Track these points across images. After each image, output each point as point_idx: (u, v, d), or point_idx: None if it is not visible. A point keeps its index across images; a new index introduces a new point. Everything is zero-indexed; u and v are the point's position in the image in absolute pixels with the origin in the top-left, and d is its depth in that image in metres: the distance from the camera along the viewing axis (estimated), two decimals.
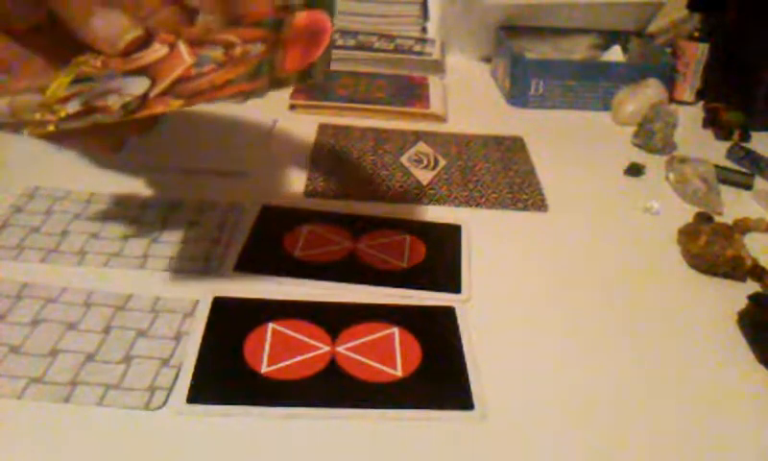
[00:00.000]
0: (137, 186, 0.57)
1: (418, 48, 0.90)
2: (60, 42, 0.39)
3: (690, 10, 0.88)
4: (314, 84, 0.39)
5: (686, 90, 0.84)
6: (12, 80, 0.38)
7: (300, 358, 0.40)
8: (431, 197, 0.59)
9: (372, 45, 0.90)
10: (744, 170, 0.67)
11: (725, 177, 0.65)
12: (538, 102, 0.80)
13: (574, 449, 0.37)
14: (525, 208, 0.59)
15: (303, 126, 0.71)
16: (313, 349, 0.41)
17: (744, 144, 0.73)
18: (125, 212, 0.53)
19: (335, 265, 0.49)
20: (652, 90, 0.77)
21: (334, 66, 0.86)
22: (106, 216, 0.53)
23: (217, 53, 0.39)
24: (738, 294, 0.48)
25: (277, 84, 0.38)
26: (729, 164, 0.69)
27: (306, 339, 0.42)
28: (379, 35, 0.94)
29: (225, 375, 0.39)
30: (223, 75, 0.38)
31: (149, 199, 0.56)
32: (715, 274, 0.52)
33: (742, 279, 0.51)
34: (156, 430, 0.36)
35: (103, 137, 0.39)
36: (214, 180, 0.59)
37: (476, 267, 0.50)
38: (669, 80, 0.81)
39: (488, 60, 0.93)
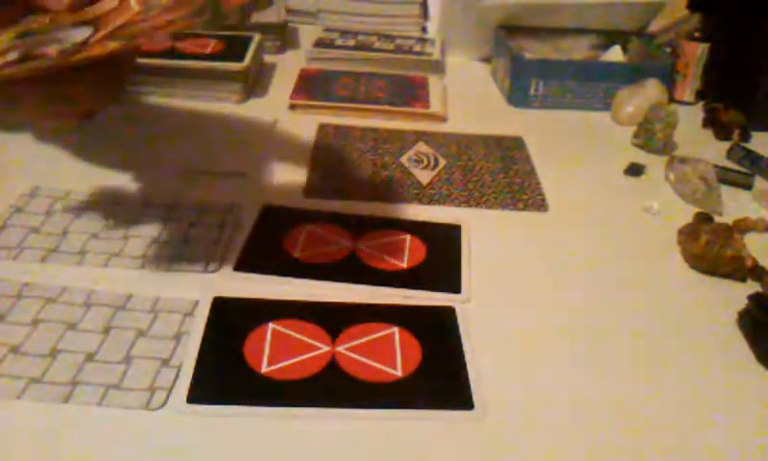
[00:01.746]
0: (137, 186, 0.57)
1: (418, 48, 0.90)
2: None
3: (690, 10, 0.88)
4: (246, 24, 0.40)
5: (686, 90, 0.84)
6: None
7: (299, 358, 0.40)
8: (431, 197, 0.59)
9: (372, 45, 0.90)
10: (744, 170, 0.67)
11: (725, 177, 0.65)
12: (538, 102, 0.80)
13: (574, 449, 0.37)
14: (525, 208, 0.59)
15: (303, 126, 0.71)
16: (313, 349, 0.41)
17: (744, 144, 0.73)
18: (125, 212, 0.53)
19: (335, 265, 0.49)
20: (652, 90, 0.77)
21: (334, 66, 0.86)
22: (106, 216, 0.53)
23: None
24: (738, 294, 0.48)
25: (220, 18, 0.39)
26: (729, 164, 0.69)
27: (306, 339, 0.42)
28: (379, 35, 0.94)
29: (225, 375, 0.39)
30: (165, 16, 0.38)
31: (149, 199, 0.56)
32: (715, 274, 0.52)
33: (742, 279, 0.51)
34: (156, 430, 0.36)
35: (61, 104, 0.40)
36: (214, 180, 0.59)
37: (476, 267, 0.50)
38: (669, 80, 0.81)
39: (488, 60, 0.93)
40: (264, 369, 0.39)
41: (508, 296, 0.48)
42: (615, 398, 0.40)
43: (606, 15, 0.87)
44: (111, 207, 0.54)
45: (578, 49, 0.89)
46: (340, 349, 0.41)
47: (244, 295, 0.45)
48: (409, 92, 0.79)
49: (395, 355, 0.41)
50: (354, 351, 0.41)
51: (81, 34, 0.38)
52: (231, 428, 0.36)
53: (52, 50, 0.37)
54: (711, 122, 0.78)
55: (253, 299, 0.45)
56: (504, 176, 0.64)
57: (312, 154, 0.66)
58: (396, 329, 0.43)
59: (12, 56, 0.37)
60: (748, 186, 0.65)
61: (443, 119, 0.75)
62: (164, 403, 0.37)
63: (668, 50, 0.86)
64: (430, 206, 0.58)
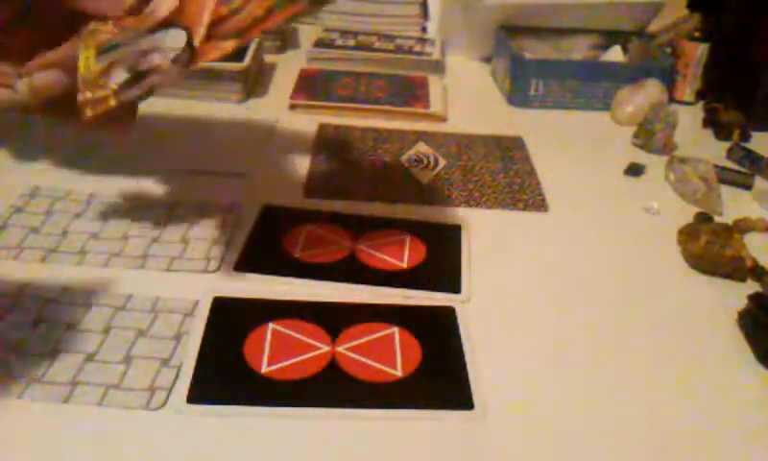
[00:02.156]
0: (137, 186, 0.57)
1: (418, 48, 0.90)
2: (38, 26, 0.38)
3: (690, 10, 0.88)
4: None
5: (686, 90, 0.84)
6: (11, 64, 0.38)
7: (299, 358, 0.40)
8: (431, 197, 0.59)
9: (372, 45, 0.90)
10: (744, 170, 0.67)
11: (725, 177, 0.65)
12: (538, 102, 0.80)
13: (574, 449, 0.37)
14: (525, 208, 0.59)
15: (303, 126, 0.71)
16: (313, 349, 0.41)
17: (744, 144, 0.73)
18: (125, 212, 0.53)
19: (335, 265, 0.49)
20: (652, 90, 0.77)
21: (334, 66, 0.86)
22: (106, 216, 0.53)
23: None
24: (738, 294, 0.48)
25: (318, 2, 0.38)
26: (729, 164, 0.69)
27: (306, 339, 0.42)
28: (379, 35, 0.94)
29: (225, 375, 0.39)
30: (260, 4, 0.37)
31: (149, 199, 0.56)
32: (715, 274, 0.52)
33: (742, 279, 0.51)
34: (156, 430, 0.36)
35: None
36: (214, 180, 0.59)
37: (476, 267, 0.50)
38: (669, 80, 0.81)
39: (488, 60, 0.93)
40: (264, 369, 0.39)
41: (508, 296, 0.48)
42: (615, 397, 0.40)
43: (606, 15, 0.87)
44: (112, 207, 0.54)
45: (578, 49, 0.89)
46: (340, 349, 0.41)
47: (244, 295, 0.45)
48: (409, 92, 0.79)
49: (395, 355, 0.41)
50: (354, 351, 0.41)
51: (176, 38, 0.37)
52: (231, 428, 0.36)
53: (162, 62, 0.36)
54: (711, 122, 0.78)
55: (253, 299, 0.45)
56: (504, 176, 0.64)
57: (312, 154, 0.66)
58: (395, 329, 0.43)
59: (121, 76, 0.36)
60: (748, 186, 0.65)
61: (443, 119, 0.75)
62: (164, 403, 0.37)
63: (668, 50, 0.86)
64: (430, 207, 0.58)
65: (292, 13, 0.37)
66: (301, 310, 0.44)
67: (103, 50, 0.38)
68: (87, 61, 0.38)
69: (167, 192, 0.56)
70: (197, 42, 0.37)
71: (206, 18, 0.37)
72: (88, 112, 0.35)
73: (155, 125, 0.70)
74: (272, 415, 0.37)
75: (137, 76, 0.36)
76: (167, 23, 0.38)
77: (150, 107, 0.74)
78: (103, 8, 0.38)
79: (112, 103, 0.35)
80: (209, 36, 0.37)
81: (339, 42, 0.91)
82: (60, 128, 0.61)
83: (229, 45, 0.36)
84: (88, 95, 0.35)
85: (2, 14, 0.38)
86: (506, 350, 0.43)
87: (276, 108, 0.75)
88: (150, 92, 0.37)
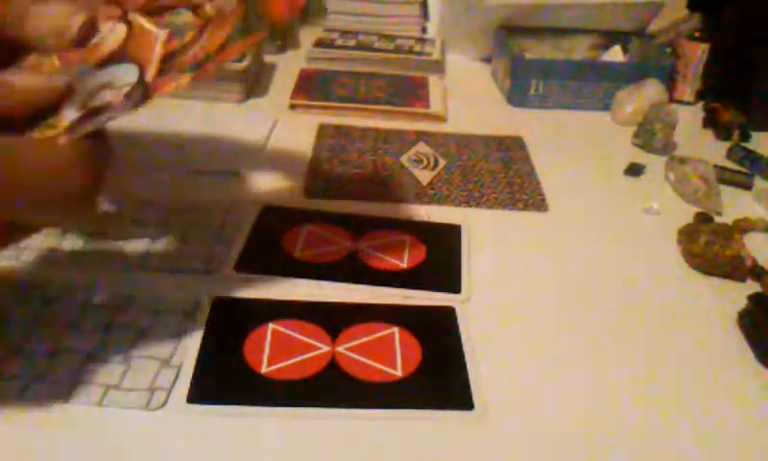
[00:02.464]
0: (137, 186, 0.57)
1: (418, 48, 0.90)
2: None
3: (690, 10, 0.88)
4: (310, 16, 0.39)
5: (686, 90, 0.84)
6: None
7: (299, 358, 0.40)
8: (431, 197, 0.59)
9: (372, 45, 0.90)
10: (744, 170, 0.67)
11: (725, 177, 0.65)
12: (538, 102, 0.80)
13: (574, 449, 0.37)
14: (525, 208, 0.59)
15: (303, 126, 0.71)
16: (313, 349, 0.41)
17: (744, 144, 0.73)
18: (125, 212, 0.53)
19: (335, 265, 0.49)
20: (652, 90, 0.77)
21: (334, 66, 0.86)
22: (106, 216, 0.53)
23: (184, 17, 0.39)
24: (738, 294, 0.48)
25: (277, 29, 0.38)
26: (729, 164, 0.69)
27: (306, 339, 0.42)
28: (379, 35, 0.94)
29: (225, 375, 0.39)
30: (212, 39, 0.37)
31: (149, 199, 0.56)
32: (715, 274, 0.52)
33: (742, 279, 0.51)
34: (156, 430, 0.36)
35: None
36: (214, 180, 0.59)
37: (476, 267, 0.50)
38: (669, 80, 0.81)
39: (488, 60, 0.93)
40: (264, 369, 0.39)
41: (508, 296, 0.48)
42: (615, 397, 0.40)
43: (606, 15, 0.87)
44: (112, 208, 0.54)
45: (578, 49, 0.89)
46: (340, 349, 0.41)
47: (244, 295, 0.45)
48: (409, 92, 0.79)
49: (395, 355, 0.41)
50: (354, 351, 0.41)
51: (128, 73, 0.36)
52: (231, 428, 0.36)
53: (114, 98, 0.35)
54: (711, 122, 0.78)
55: (253, 299, 0.45)
56: (504, 176, 0.64)
57: (312, 153, 0.66)
58: (395, 329, 0.43)
59: (71, 114, 0.34)
60: (748, 186, 0.65)
61: (443, 119, 0.75)
62: (164, 403, 0.37)
63: (668, 50, 0.86)
64: (430, 206, 0.58)
65: (249, 45, 0.37)
66: (301, 310, 0.44)
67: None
68: None
69: (167, 192, 0.56)
70: (150, 77, 0.36)
71: (158, 52, 0.37)
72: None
73: (154, 125, 0.70)
74: (272, 415, 0.37)
75: (88, 113, 0.34)
76: (116, 57, 0.37)
77: (150, 106, 0.74)
78: (48, 38, 0.36)
79: (63, 140, 0.33)
80: (162, 70, 0.36)
81: (339, 42, 0.91)
82: None
83: (185, 79, 0.36)
84: (36, 134, 0.34)
85: None
86: (506, 350, 0.43)
87: (276, 108, 0.75)
88: (98, 127, 0.35)
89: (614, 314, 0.47)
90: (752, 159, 0.69)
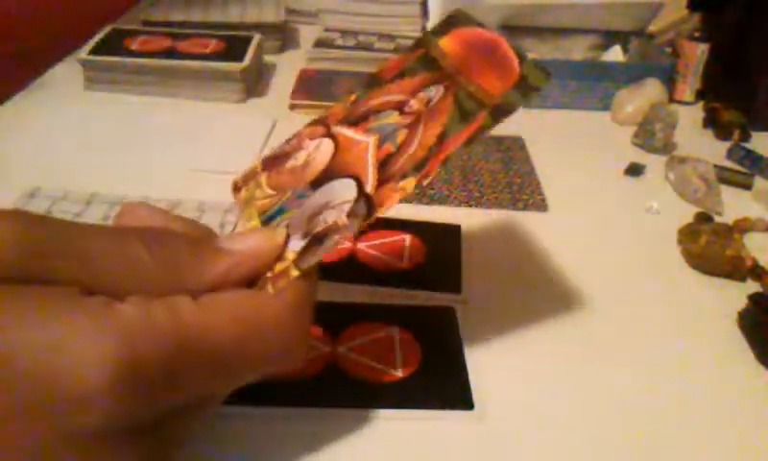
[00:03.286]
0: (137, 187, 0.57)
1: None
2: None
3: (690, 10, 0.88)
4: (541, 90, 0.34)
5: (686, 90, 0.84)
6: None
7: None
8: (431, 197, 0.59)
9: (373, 45, 0.90)
10: (744, 170, 0.67)
11: (725, 177, 0.65)
12: (538, 102, 0.80)
13: (574, 450, 0.37)
14: (525, 208, 0.59)
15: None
16: (313, 349, 0.41)
17: (744, 144, 0.73)
18: None
19: (335, 265, 0.49)
20: (652, 90, 0.77)
21: (334, 66, 0.86)
22: (106, 216, 0.53)
23: (391, 118, 0.36)
24: (738, 294, 0.48)
25: (501, 112, 0.33)
26: (729, 164, 0.69)
27: None
28: (379, 35, 0.94)
29: None
30: (429, 133, 0.34)
31: (149, 199, 0.55)
32: (715, 274, 0.52)
33: (742, 279, 0.51)
34: None
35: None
36: (214, 179, 0.59)
37: (476, 267, 0.50)
38: (669, 80, 0.81)
39: None
40: None
41: (508, 296, 0.48)
42: (615, 397, 0.40)
43: (606, 15, 0.87)
44: (111, 208, 0.54)
45: (578, 49, 0.89)
46: (340, 349, 0.41)
47: None
48: None
49: (395, 355, 0.41)
50: (354, 350, 0.41)
51: (346, 188, 0.33)
52: (231, 429, 0.36)
53: (338, 219, 0.31)
54: (711, 122, 0.78)
55: None
56: (504, 176, 0.64)
57: None
58: (396, 329, 0.43)
59: (297, 244, 0.31)
60: (748, 186, 0.65)
61: None
62: None
63: (668, 50, 0.86)
64: (430, 206, 0.58)
65: (470, 134, 0.33)
66: None
67: (268, 216, 0.34)
68: None
69: (167, 192, 0.56)
70: (370, 189, 0.32)
71: (372, 160, 0.34)
72: (270, 289, 0.30)
73: (154, 125, 0.70)
74: (272, 415, 0.37)
75: (314, 240, 0.31)
76: (329, 175, 0.34)
77: (149, 106, 0.74)
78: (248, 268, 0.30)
79: (294, 273, 0.30)
80: (382, 180, 0.33)
81: (339, 42, 0.91)
82: None
83: (409, 184, 0.32)
84: (267, 273, 0.30)
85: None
86: (506, 350, 0.43)
87: (276, 108, 0.75)
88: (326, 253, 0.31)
89: (614, 314, 0.47)
90: (752, 159, 0.69)
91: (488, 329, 0.44)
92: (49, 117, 0.70)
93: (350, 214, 0.32)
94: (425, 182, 0.32)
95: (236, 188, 0.38)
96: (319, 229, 0.32)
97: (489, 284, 0.49)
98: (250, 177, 0.38)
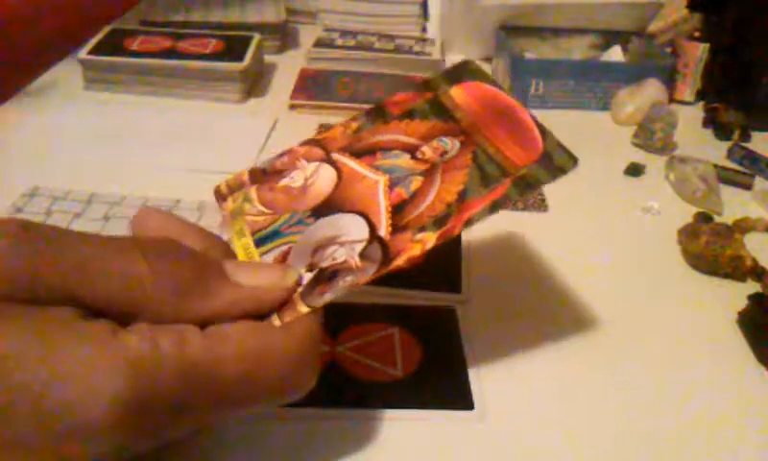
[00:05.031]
0: (138, 187, 0.57)
1: (418, 48, 0.90)
2: None
3: (690, 10, 0.88)
4: (567, 172, 0.34)
5: (686, 90, 0.84)
6: None
7: None
8: None
9: (373, 45, 0.90)
10: (744, 170, 0.67)
11: (725, 177, 0.65)
12: (538, 102, 0.80)
13: (574, 450, 0.37)
14: (525, 208, 0.59)
15: (303, 126, 0.71)
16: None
17: (744, 144, 0.73)
18: (125, 212, 0.53)
19: None
20: (652, 90, 0.77)
21: (334, 66, 0.86)
22: (106, 216, 0.53)
23: (401, 160, 0.34)
24: (738, 294, 0.48)
25: (526, 185, 0.33)
26: (729, 164, 0.69)
27: None
28: (379, 35, 0.94)
29: None
30: (448, 188, 0.32)
31: (149, 199, 0.56)
32: (715, 274, 0.52)
33: (742, 279, 0.51)
34: None
35: None
36: (214, 179, 0.59)
37: (476, 267, 0.50)
38: (669, 80, 0.81)
39: (488, 60, 0.93)
40: None
41: (508, 296, 0.48)
42: (615, 397, 0.40)
43: (606, 15, 0.87)
44: (111, 208, 0.54)
45: (578, 49, 0.89)
46: (340, 349, 0.41)
47: None
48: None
49: (395, 355, 0.41)
50: (354, 350, 0.41)
51: (358, 227, 0.31)
52: (231, 428, 0.36)
53: (348, 258, 0.30)
54: (711, 122, 0.78)
55: None
56: None
57: None
58: (396, 329, 0.43)
59: (296, 272, 0.29)
60: (748, 186, 0.65)
61: None
62: None
63: (668, 50, 0.86)
64: None
65: (494, 199, 0.32)
66: None
67: (261, 237, 0.32)
68: (248, 250, 0.32)
69: (167, 192, 0.56)
70: (384, 233, 0.31)
71: (386, 203, 0.32)
72: (276, 321, 0.29)
73: (154, 125, 0.70)
74: (271, 415, 0.37)
75: (321, 275, 0.30)
76: (331, 205, 0.32)
77: (149, 106, 0.74)
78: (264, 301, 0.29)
79: (303, 310, 0.29)
80: (396, 227, 0.31)
81: (339, 42, 0.91)
82: None
83: (429, 238, 0.31)
84: (275, 320, 0.29)
85: None
86: (506, 350, 0.43)
87: (276, 108, 0.75)
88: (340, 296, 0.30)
89: (614, 314, 0.47)
90: (752, 159, 0.69)
91: (488, 330, 0.44)
92: (49, 117, 0.70)
93: (364, 257, 0.30)
94: (441, 243, 0.31)
95: (219, 194, 0.37)
96: (326, 264, 0.30)
97: (489, 284, 0.49)
98: (235, 186, 0.37)
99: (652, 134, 0.70)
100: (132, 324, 0.25)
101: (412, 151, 0.35)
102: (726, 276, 0.51)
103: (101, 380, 0.23)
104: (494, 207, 0.32)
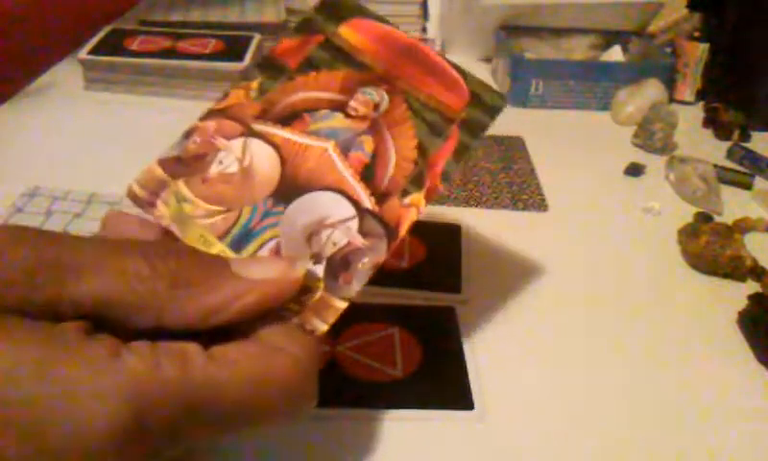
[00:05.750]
0: None
1: None
2: None
3: (690, 10, 0.88)
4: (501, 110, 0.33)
5: (686, 90, 0.84)
6: None
7: None
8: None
9: None
10: (744, 170, 0.67)
11: (725, 177, 0.65)
12: (538, 102, 0.80)
13: (574, 450, 0.37)
14: (525, 208, 0.59)
15: None
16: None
17: (744, 144, 0.73)
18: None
19: None
20: (652, 90, 0.77)
21: None
22: None
23: (335, 121, 0.32)
24: (738, 294, 0.48)
25: (473, 129, 0.32)
26: (729, 164, 0.69)
27: None
28: None
29: None
30: (404, 144, 0.31)
31: None
32: (715, 274, 0.52)
33: (742, 279, 0.51)
34: None
35: None
36: None
37: (476, 267, 0.50)
38: (669, 80, 0.81)
39: (488, 60, 0.93)
40: None
41: (508, 296, 0.48)
42: (615, 397, 0.40)
43: (606, 15, 0.87)
44: (111, 208, 0.54)
45: (578, 49, 0.89)
46: (340, 348, 0.41)
47: None
48: None
49: (395, 355, 0.41)
50: (354, 350, 0.41)
51: (333, 206, 0.30)
52: None
53: (352, 239, 0.29)
54: (711, 122, 0.78)
55: None
56: (504, 176, 0.64)
57: None
58: (395, 329, 0.43)
59: (316, 269, 0.28)
60: (748, 186, 0.65)
61: None
62: None
63: (668, 50, 0.86)
64: (430, 206, 0.58)
65: (453, 148, 0.31)
66: None
67: (234, 241, 0.30)
68: (205, 243, 0.30)
69: None
70: (370, 205, 0.29)
71: (350, 171, 0.30)
72: (316, 323, 0.28)
73: (155, 125, 0.70)
74: None
75: (334, 265, 0.28)
76: (291, 187, 0.30)
77: (149, 106, 0.74)
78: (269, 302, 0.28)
79: (341, 306, 0.28)
80: (378, 195, 0.30)
81: None
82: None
83: (418, 200, 0.30)
84: (294, 319, 0.28)
85: None
86: (506, 350, 0.43)
87: None
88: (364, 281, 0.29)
89: (614, 314, 0.47)
90: (752, 159, 0.69)
91: (488, 329, 0.44)
92: (49, 117, 0.70)
93: (366, 234, 0.29)
94: (433, 199, 0.31)
95: (137, 199, 0.33)
96: (330, 251, 0.29)
97: (489, 284, 0.49)
98: (152, 185, 0.33)
99: (652, 134, 0.70)
100: (133, 324, 0.25)
101: (340, 107, 0.33)
102: (726, 276, 0.51)
103: (100, 404, 0.23)
104: (458, 157, 0.31)
